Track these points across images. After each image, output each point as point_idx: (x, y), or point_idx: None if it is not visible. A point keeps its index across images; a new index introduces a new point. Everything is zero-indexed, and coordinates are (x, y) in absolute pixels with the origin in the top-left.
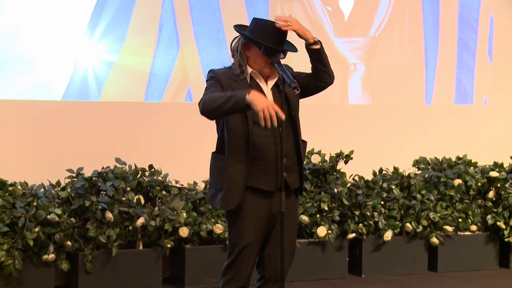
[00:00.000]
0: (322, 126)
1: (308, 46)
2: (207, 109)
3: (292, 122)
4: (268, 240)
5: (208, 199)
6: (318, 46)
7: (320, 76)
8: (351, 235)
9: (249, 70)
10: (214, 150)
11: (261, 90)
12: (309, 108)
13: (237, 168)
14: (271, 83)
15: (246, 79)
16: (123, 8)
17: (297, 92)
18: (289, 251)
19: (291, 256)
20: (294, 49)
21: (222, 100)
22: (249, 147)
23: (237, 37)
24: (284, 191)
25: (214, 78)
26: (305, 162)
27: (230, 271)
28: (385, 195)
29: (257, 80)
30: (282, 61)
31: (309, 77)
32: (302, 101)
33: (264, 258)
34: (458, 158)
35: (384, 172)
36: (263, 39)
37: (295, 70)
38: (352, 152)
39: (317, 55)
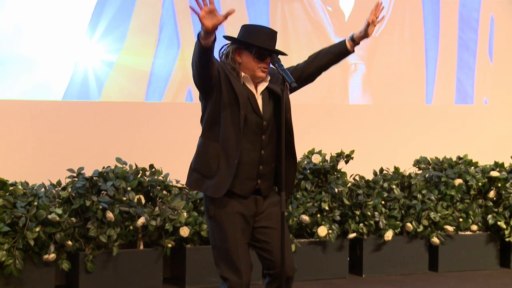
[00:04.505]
0: (322, 126)
1: (354, 42)
2: (193, 63)
3: (286, 124)
4: (262, 241)
5: (191, 183)
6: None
7: (325, 67)
8: (352, 235)
9: (242, 74)
10: None
11: (252, 94)
12: (309, 108)
13: (229, 158)
14: (261, 88)
15: (240, 79)
16: (124, 8)
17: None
18: (286, 246)
19: (289, 249)
20: (283, 53)
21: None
22: (240, 141)
23: (225, 44)
24: (258, 195)
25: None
26: (305, 162)
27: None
28: (385, 195)
29: (248, 85)
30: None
31: (307, 67)
32: (303, 101)
33: (267, 259)
34: (459, 158)
35: (384, 172)
36: (254, 41)
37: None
38: (352, 152)
39: (350, 53)
